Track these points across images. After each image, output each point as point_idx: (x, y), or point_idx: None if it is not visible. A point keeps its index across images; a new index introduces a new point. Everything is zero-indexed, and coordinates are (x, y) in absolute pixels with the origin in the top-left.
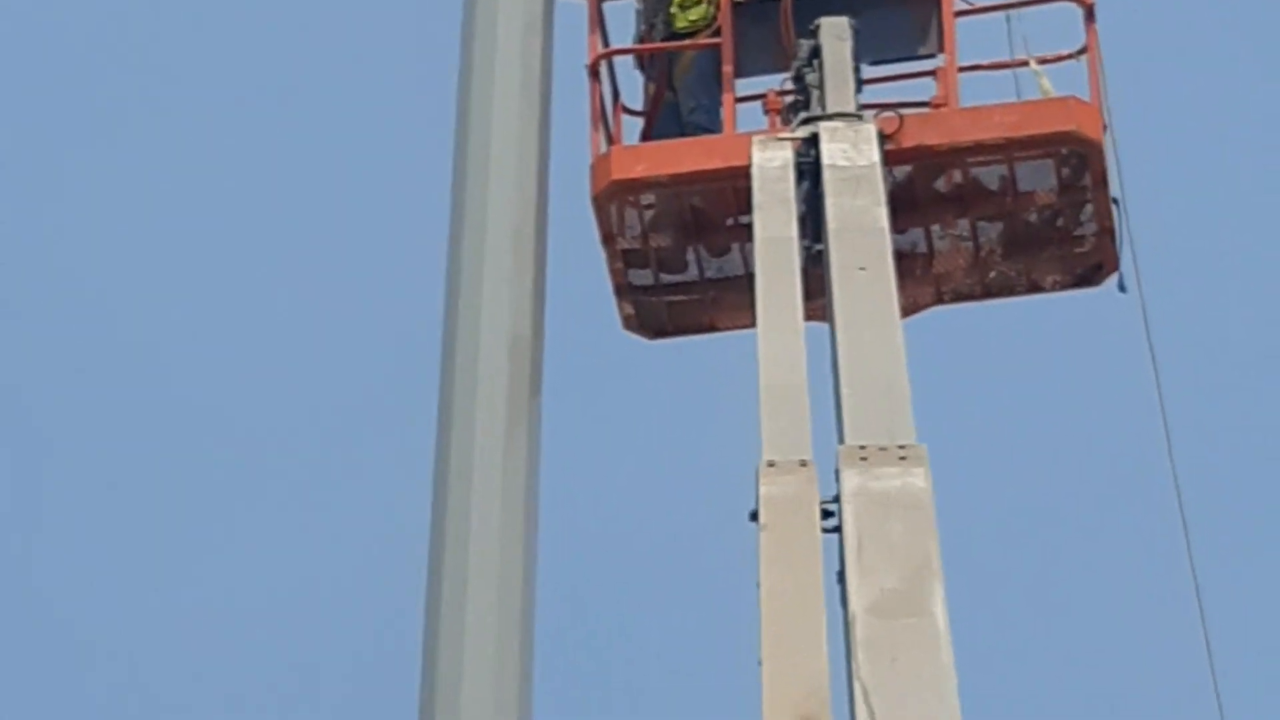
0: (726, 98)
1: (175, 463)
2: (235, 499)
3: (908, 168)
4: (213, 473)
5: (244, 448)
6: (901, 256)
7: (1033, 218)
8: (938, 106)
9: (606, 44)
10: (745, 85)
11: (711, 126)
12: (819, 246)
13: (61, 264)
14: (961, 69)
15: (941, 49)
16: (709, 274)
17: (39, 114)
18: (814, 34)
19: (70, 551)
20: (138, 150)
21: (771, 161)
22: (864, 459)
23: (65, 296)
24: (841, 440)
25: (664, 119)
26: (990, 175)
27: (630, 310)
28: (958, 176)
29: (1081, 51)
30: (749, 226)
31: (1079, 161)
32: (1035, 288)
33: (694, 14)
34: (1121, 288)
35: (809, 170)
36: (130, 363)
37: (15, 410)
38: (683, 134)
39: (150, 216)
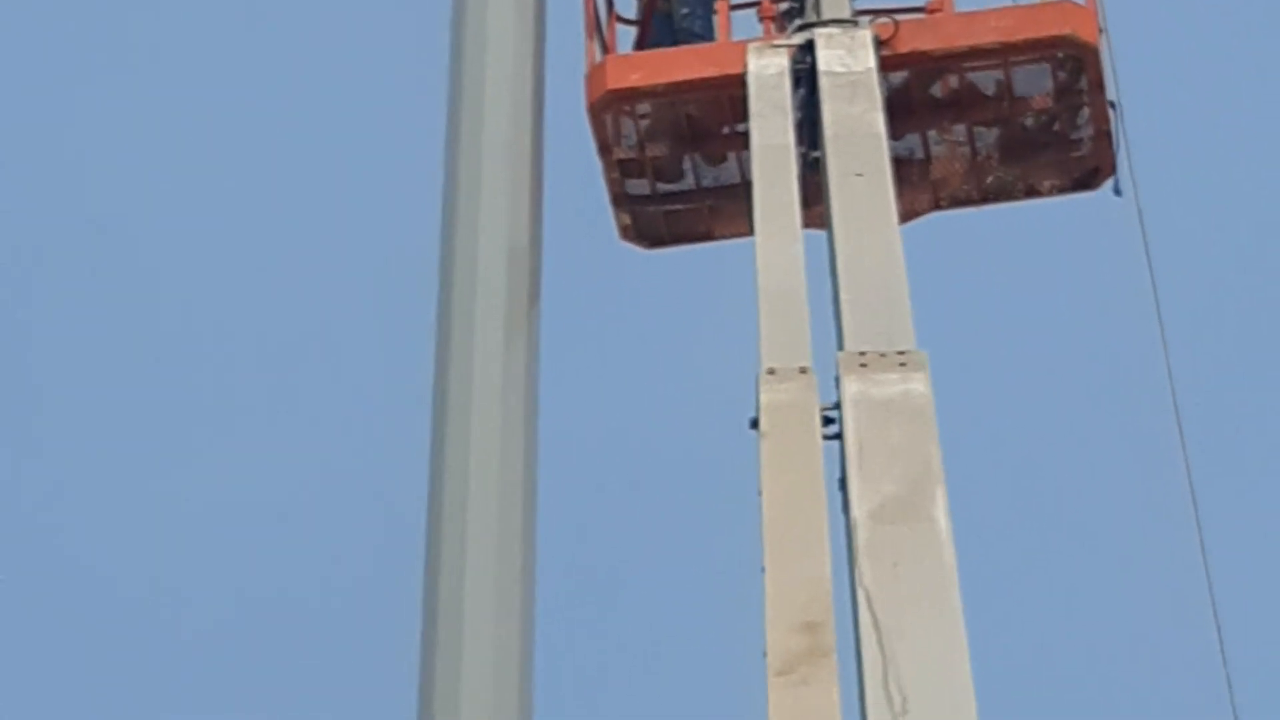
0: (720, 5)
1: (173, 377)
2: (234, 409)
3: (904, 73)
4: (211, 383)
5: (242, 359)
6: (899, 162)
7: (1029, 122)
8: (933, 11)
9: None
10: None
11: (705, 34)
12: (816, 153)
13: (59, 171)
14: None
15: None
16: (706, 183)
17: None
18: None
19: (62, 468)
20: (137, 51)
21: (767, 69)
22: (864, 365)
23: (64, 205)
24: (841, 347)
25: (658, 27)
26: (986, 80)
27: (627, 220)
28: (954, 81)
29: None
30: (745, 134)
31: (1075, 65)
32: (1032, 192)
33: None
34: (1117, 191)
35: (805, 77)
36: (128, 270)
37: (15, 332)
38: (677, 43)
39: (155, 127)
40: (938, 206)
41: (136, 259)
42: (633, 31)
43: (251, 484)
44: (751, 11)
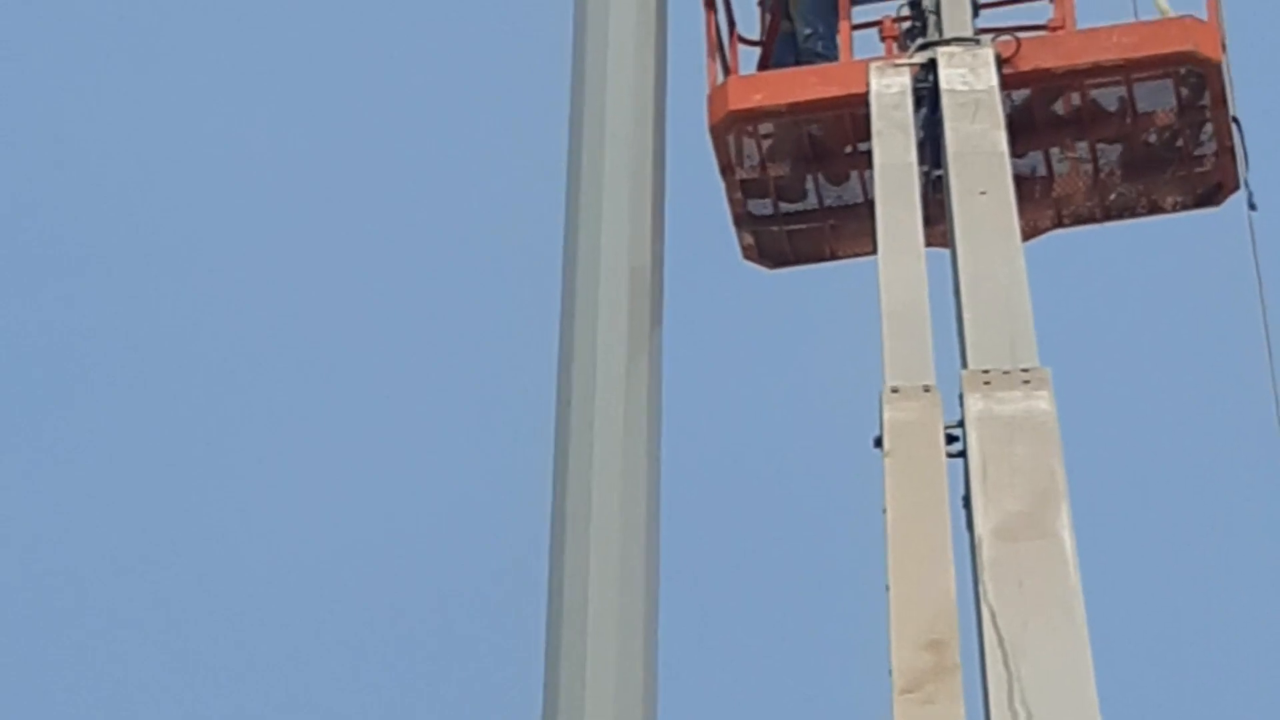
0: (843, 25)
1: (277, 391)
2: (348, 428)
3: (1026, 91)
4: (329, 415)
5: (359, 377)
6: (1021, 180)
7: (1152, 139)
8: (1055, 29)
9: None
10: (861, 12)
11: (828, 54)
12: (938, 172)
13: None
14: None
15: None
16: (828, 202)
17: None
18: None
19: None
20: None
21: (889, 88)
22: (987, 383)
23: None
24: (964, 365)
25: (781, 48)
26: (1109, 97)
27: (750, 240)
28: (1076, 99)
29: None
30: (868, 154)
31: (1198, 81)
32: (1155, 209)
33: None
34: (1252, 206)
35: (927, 96)
36: (236, 274)
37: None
38: (799, 63)
39: (262, 133)
40: (1060, 224)
41: (246, 263)
42: (755, 52)
43: (371, 509)
44: (873, 31)
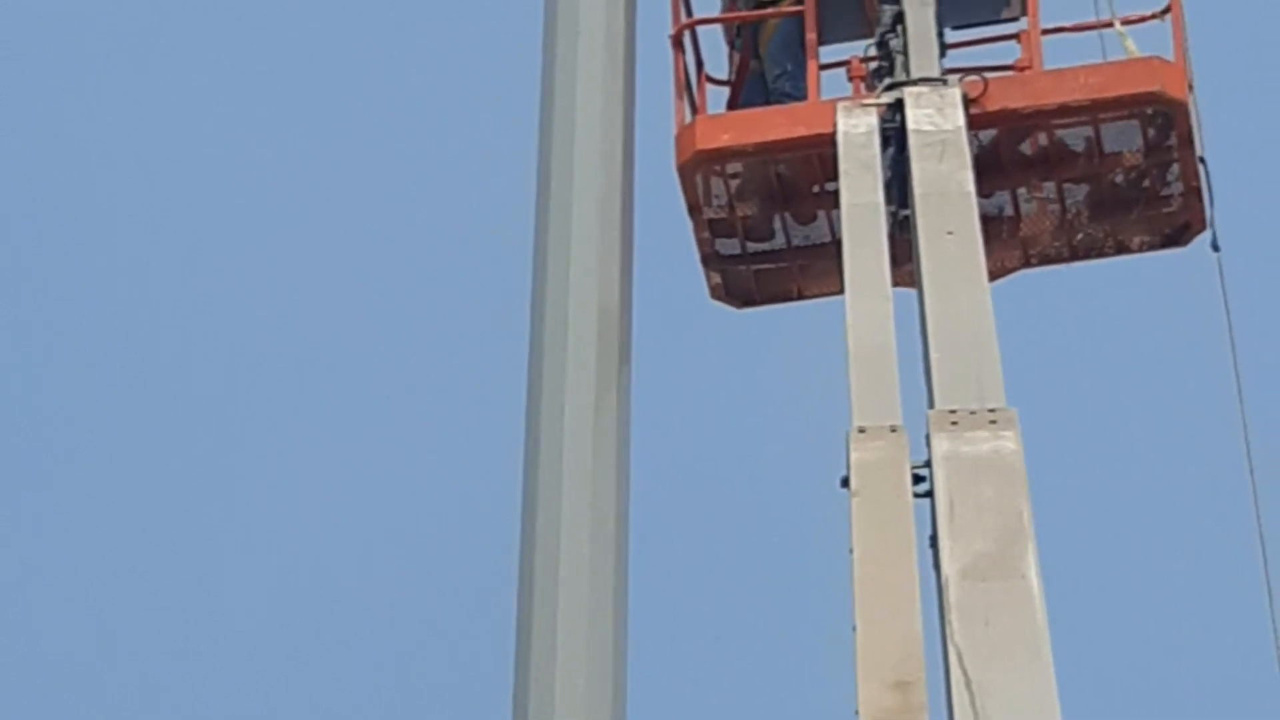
0: (811, 65)
1: (251, 425)
2: (320, 461)
3: (993, 131)
4: (299, 451)
5: (361, 388)
6: (988, 220)
7: (1119, 179)
8: (1022, 70)
9: (690, 14)
10: (829, 52)
11: (797, 94)
12: (905, 212)
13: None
14: (1045, 31)
15: (1024, 12)
16: (796, 242)
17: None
18: (897, 0)
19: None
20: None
21: (856, 128)
22: (954, 423)
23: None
24: (931, 405)
25: (750, 87)
26: (1075, 137)
27: (718, 279)
28: (1043, 139)
29: (1165, 11)
30: (835, 193)
31: (1164, 121)
32: (1122, 249)
33: None
34: (1214, 246)
35: (894, 136)
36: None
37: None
38: (768, 103)
39: (245, 151)
40: (1027, 264)
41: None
42: (724, 92)
43: (369, 513)
44: (842, 71)
